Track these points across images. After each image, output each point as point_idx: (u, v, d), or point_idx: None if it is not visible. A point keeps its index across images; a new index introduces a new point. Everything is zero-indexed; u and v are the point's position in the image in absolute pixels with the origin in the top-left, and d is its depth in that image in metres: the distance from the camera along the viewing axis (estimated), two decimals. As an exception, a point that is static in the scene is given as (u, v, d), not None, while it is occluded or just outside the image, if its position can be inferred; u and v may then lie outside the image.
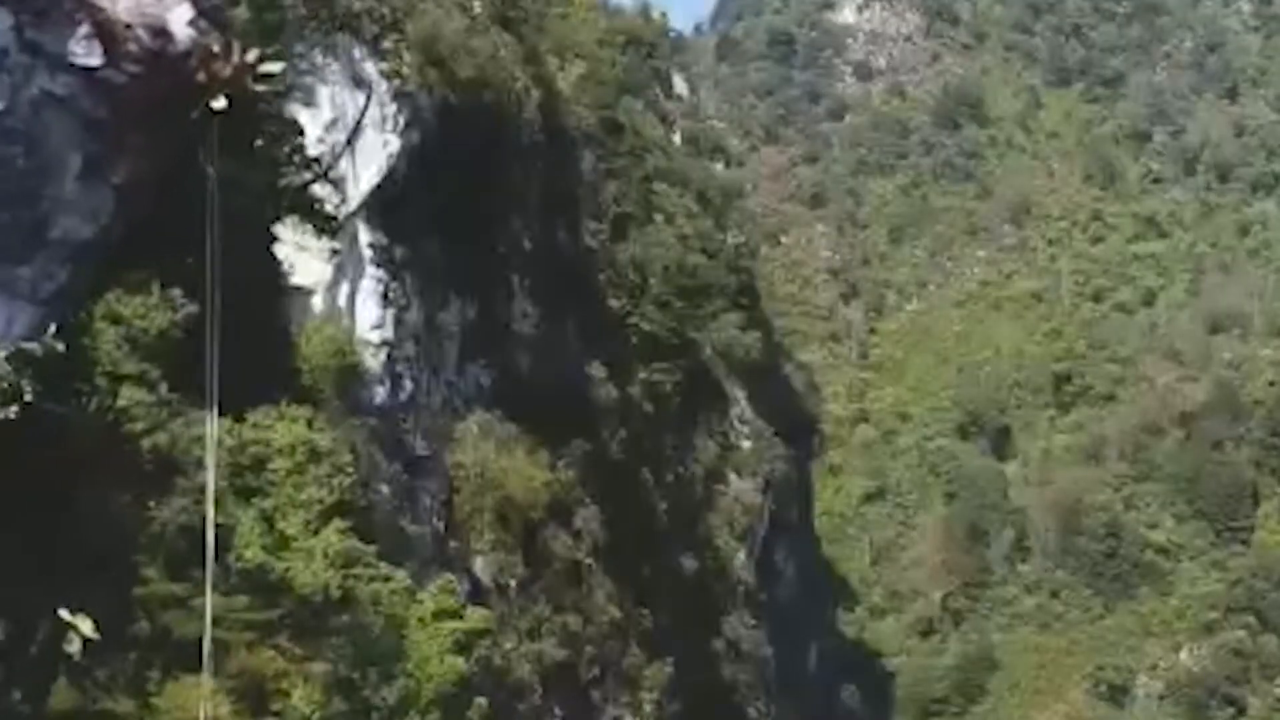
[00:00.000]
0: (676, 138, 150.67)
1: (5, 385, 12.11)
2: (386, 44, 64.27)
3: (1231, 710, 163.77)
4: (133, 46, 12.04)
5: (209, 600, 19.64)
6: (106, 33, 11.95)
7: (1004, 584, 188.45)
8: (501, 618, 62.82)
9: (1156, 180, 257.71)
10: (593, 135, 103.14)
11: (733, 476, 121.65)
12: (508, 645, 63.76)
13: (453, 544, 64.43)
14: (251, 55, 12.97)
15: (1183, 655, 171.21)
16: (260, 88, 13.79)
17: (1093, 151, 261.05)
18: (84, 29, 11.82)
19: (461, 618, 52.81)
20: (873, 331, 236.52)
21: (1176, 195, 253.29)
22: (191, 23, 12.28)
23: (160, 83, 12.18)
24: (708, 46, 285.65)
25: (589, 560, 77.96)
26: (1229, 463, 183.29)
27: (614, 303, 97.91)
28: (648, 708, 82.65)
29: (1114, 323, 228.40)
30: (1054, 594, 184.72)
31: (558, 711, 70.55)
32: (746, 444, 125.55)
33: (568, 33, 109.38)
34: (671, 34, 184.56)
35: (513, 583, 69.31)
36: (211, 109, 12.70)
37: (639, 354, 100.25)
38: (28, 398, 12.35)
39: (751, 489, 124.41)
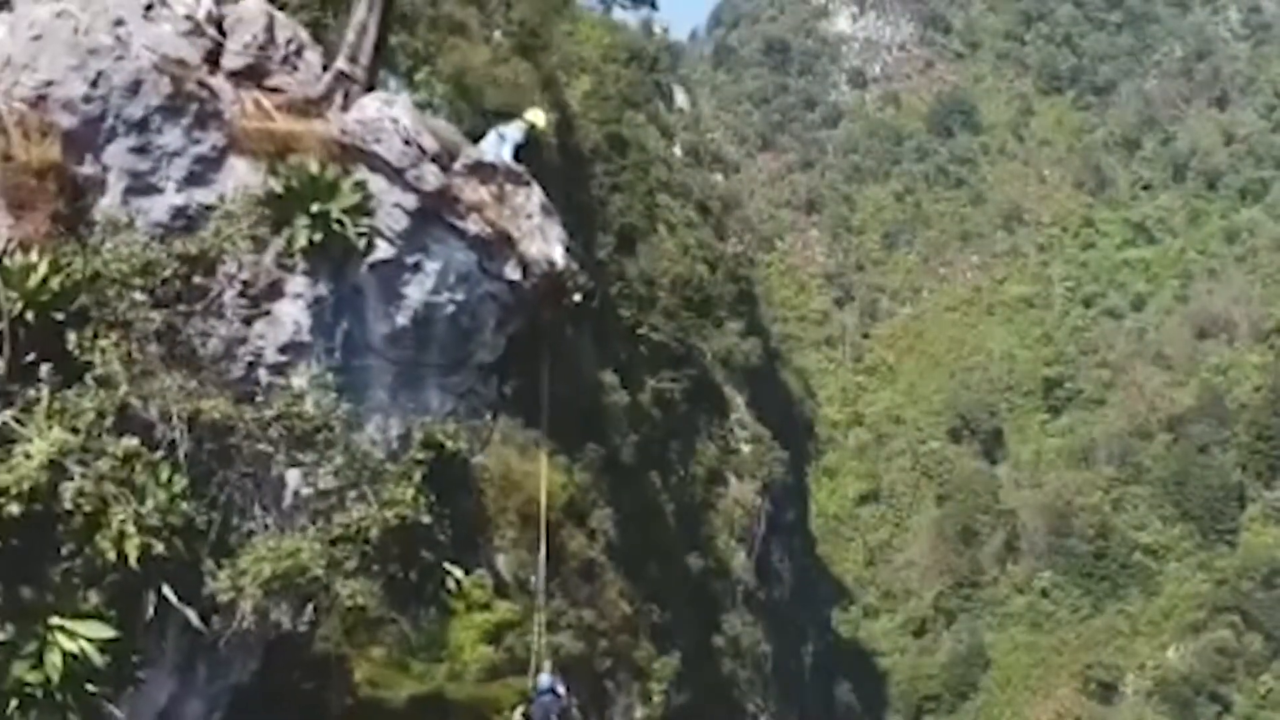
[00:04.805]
0: (677, 149, 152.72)
1: (471, 445, 20.15)
2: (419, 76, 67.55)
3: (1217, 708, 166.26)
4: (535, 269, 20.70)
5: (541, 596, 26.44)
6: (523, 262, 20.60)
7: (995, 584, 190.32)
8: (523, 612, 65.73)
9: (1146, 187, 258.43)
10: (599, 150, 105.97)
11: (732, 479, 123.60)
12: (528, 637, 66.62)
13: (478, 542, 67.59)
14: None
15: (1170, 654, 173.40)
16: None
17: (1083, 158, 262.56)
18: (512, 260, 20.50)
19: (491, 610, 55.97)
20: (866, 336, 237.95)
21: (1166, 202, 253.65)
22: (565, 254, 20.98)
23: (547, 286, 20.94)
24: (703, 53, 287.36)
25: (603, 558, 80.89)
26: (1215, 466, 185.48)
27: (624, 313, 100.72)
28: (656, 699, 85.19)
29: (1103, 328, 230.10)
30: (1044, 594, 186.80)
31: (573, 700, 73.56)
32: (746, 448, 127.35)
33: (573, 49, 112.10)
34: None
35: (533, 578, 72.31)
36: (574, 301, 21.61)
37: (648, 362, 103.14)
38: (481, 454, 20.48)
39: (751, 491, 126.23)
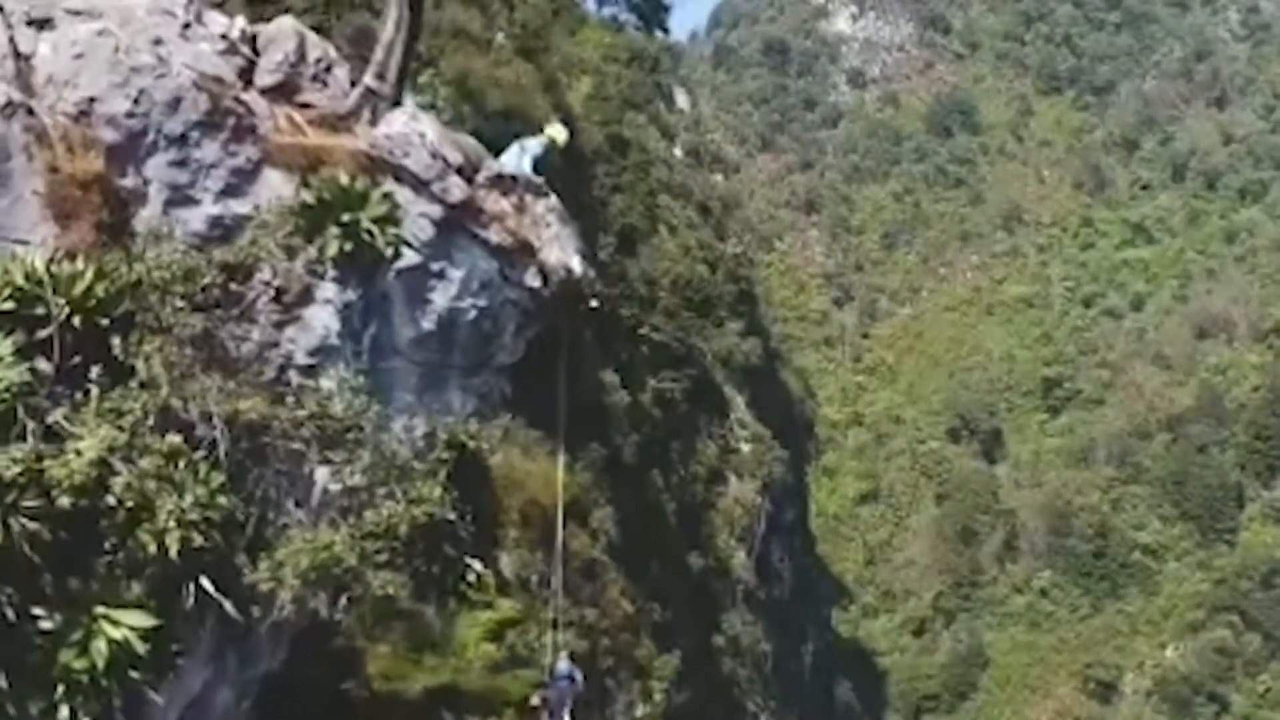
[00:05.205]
0: (678, 150, 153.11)
1: (492, 445, 20.17)
2: (422, 79, 68.13)
3: (1215, 707, 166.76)
4: (554, 276, 21.80)
5: (559, 587, 31.90)
6: (543, 270, 21.74)
7: (994, 584, 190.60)
8: (525, 610, 66.20)
9: (1145, 187, 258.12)
10: (601, 152, 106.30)
11: (733, 478, 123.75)
12: (530, 635, 67.14)
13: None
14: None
15: (1169, 653, 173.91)
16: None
17: (1083, 159, 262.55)
18: (532, 268, 21.64)
19: (494, 608, 56.72)
20: (866, 336, 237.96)
21: (1165, 202, 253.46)
22: (581, 262, 22.12)
23: (565, 292, 22.02)
24: (703, 54, 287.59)
25: (604, 557, 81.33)
26: (1214, 465, 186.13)
27: (625, 313, 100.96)
28: (657, 697, 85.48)
29: (1103, 328, 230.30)
30: (1043, 593, 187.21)
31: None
32: (746, 447, 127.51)
33: (574, 50, 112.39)
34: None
35: (534, 578, 72.81)
36: (590, 307, 23.01)
37: (649, 362, 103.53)
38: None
39: (751, 490, 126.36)
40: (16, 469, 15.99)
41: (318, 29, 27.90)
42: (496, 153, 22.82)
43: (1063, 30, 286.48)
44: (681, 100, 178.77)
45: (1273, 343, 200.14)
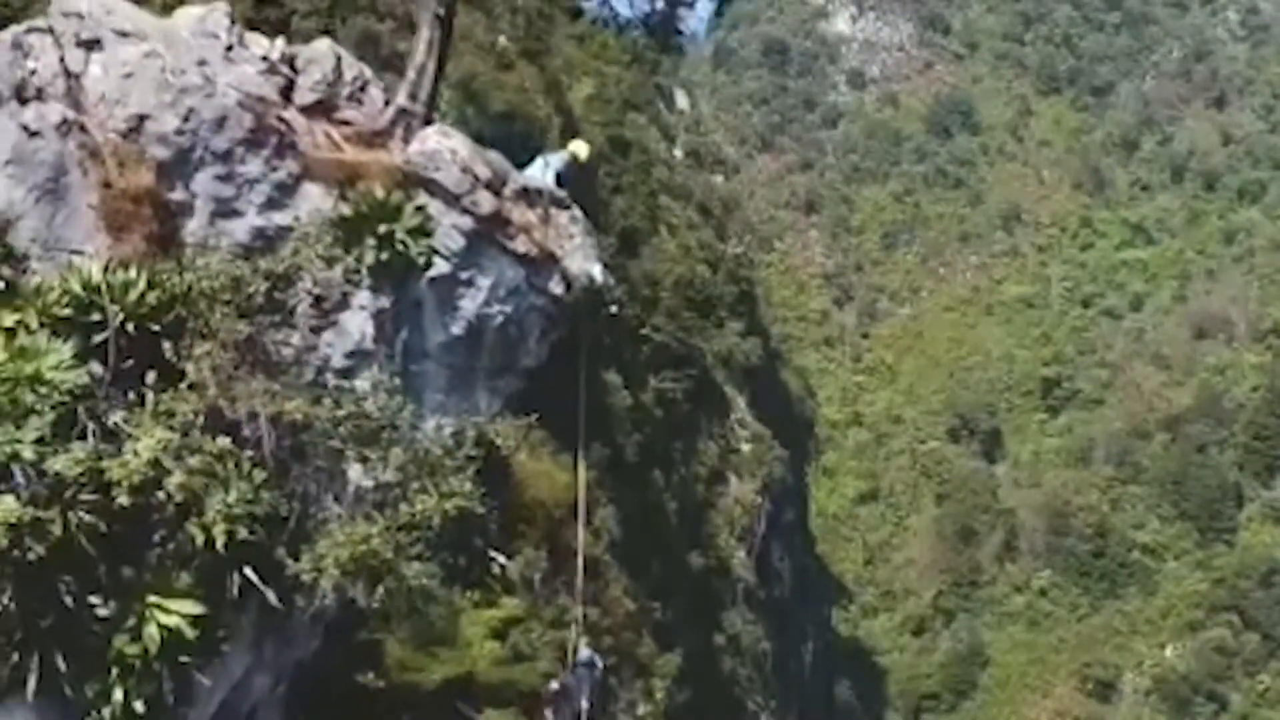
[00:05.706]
0: (678, 151, 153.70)
1: (516, 442, 22.19)
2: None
3: (1214, 706, 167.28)
4: (576, 284, 23.10)
5: (580, 583, 32.60)
6: (565, 278, 22.94)
7: (994, 583, 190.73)
8: (528, 608, 66.84)
9: (1144, 188, 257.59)
10: (602, 153, 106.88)
11: (733, 478, 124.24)
12: (533, 634, 67.83)
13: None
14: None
15: (1168, 652, 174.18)
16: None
17: (1082, 159, 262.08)
18: (556, 276, 22.85)
19: (497, 606, 57.52)
20: (866, 336, 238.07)
21: (1164, 203, 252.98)
22: (602, 270, 23.57)
23: (586, 299, 23.35)
24: (703, 55, 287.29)
25: (606, 556, 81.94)
26: (1213, 465, 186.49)
27: (627, 314, 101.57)
28: (659, 695, 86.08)
29: (1102, 328, 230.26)
30: (1043, 593, 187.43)
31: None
32: (746, 447, 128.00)
33: (575, 51, 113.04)
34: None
35: (537, 576, 73.42)
36: (611, 313, 24.79)
37: (650, 362, 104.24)
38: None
39: (751, 490, 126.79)
40: (78, 469, 17.06)
41: (323, 33, 29.09)
42: (521, 165, 23.99)
43: (1062, 31, 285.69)
44: (682, 101, 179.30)
45: (1271, 343, 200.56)
